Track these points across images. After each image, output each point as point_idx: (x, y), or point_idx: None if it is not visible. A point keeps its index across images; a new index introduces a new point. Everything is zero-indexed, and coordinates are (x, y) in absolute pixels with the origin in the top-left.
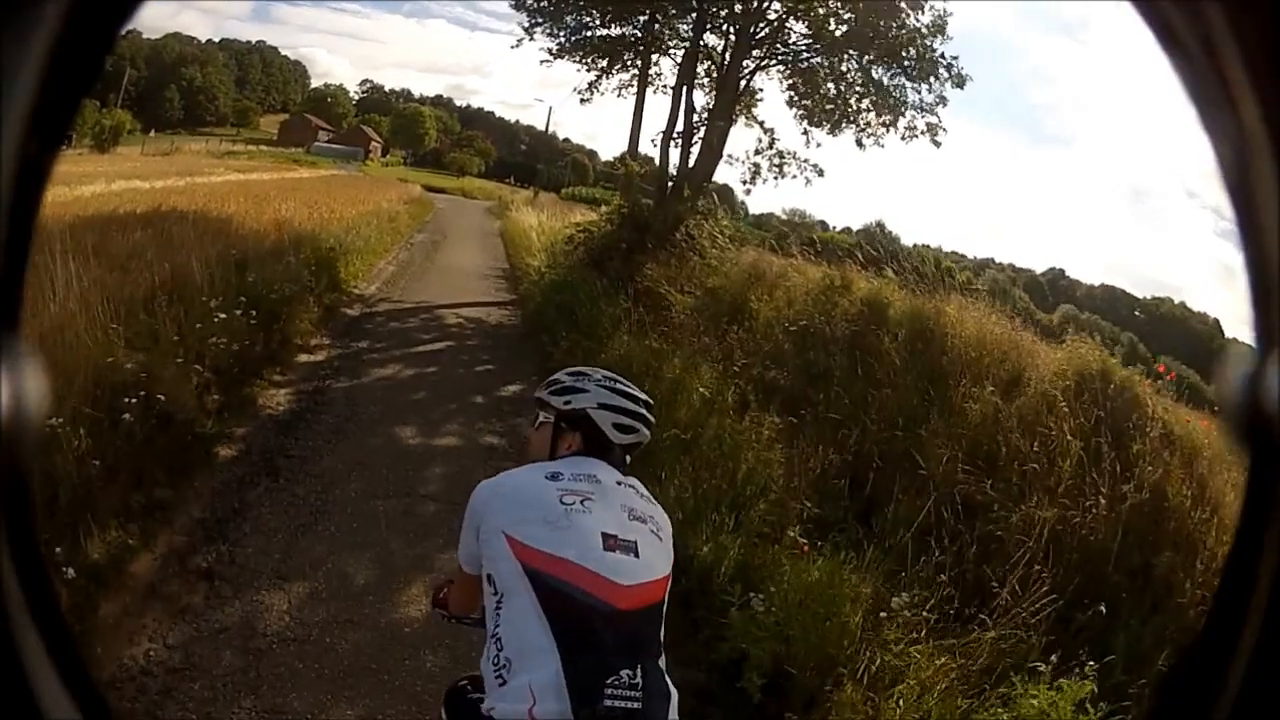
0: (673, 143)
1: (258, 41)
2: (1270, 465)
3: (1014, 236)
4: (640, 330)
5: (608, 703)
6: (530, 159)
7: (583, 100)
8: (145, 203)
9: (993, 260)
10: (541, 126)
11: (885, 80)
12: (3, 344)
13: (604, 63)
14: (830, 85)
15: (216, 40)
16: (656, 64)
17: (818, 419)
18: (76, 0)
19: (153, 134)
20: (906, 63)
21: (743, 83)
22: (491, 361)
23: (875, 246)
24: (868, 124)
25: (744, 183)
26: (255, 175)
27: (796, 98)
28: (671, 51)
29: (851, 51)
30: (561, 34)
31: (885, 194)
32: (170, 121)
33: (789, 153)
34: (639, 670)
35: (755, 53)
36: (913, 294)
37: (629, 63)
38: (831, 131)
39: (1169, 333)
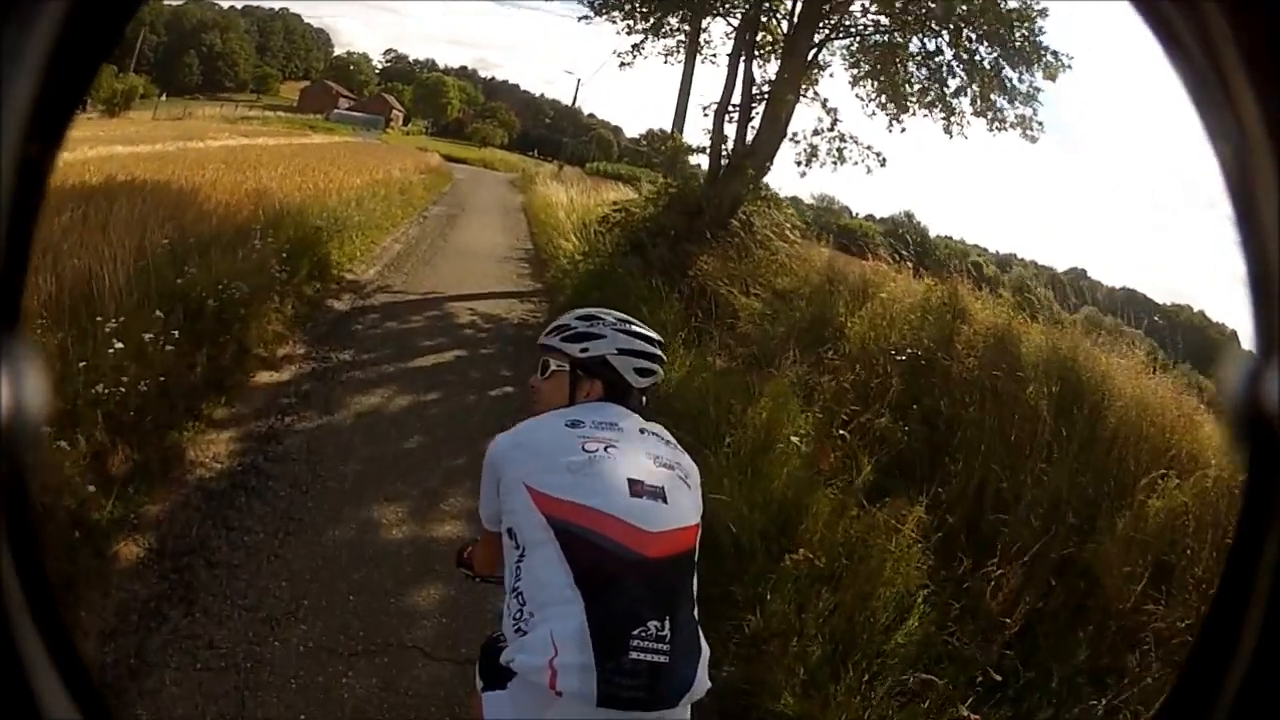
0: (727, 117)
1: (280, 9)
2: (1270, 465)
3: (1036, 233)
4: (701, 344)
5: (633, 655)
6: (554, 133)
7: (622, 64)
8: (109, 171)
9: (1015, 256)
10: (566, 102)
11: (986, 63)
12: (3, 344)
13: (649, 23)
14: (910, 66)
15: (239, 6)
16: (707, 29)
17: (954, 500)
18: (76, 0)
19: (164, 98)
20: (1012, 44)
21: (813, 52)
22: (514, 381)
23: (906, 239)
24: (957, 109)
25: (798, 164)
26: (260, 140)
27: (870, 75)
28: (730, 14)
29: (950, 28)
30: None
31: (908, 182)
32: (189, 87)
33: (850, 136)
34: (667, 622)
35: (829, 20)
36: (1044, 325)
37: (677, 26)
38: (913, 113)
39: (1187, 341)
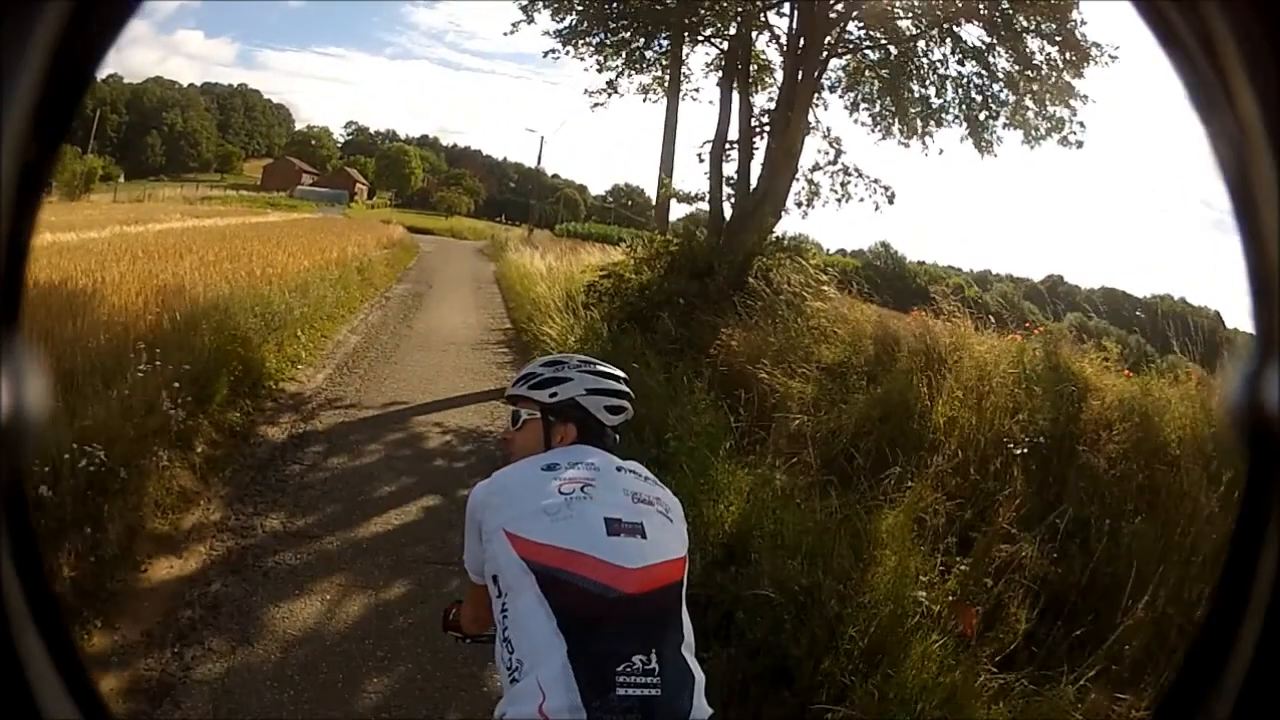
0: (724, 156)
1: (240, 85)
2: (1270, 465)
3: (1007, 245)
4: (752, 452)
5: (620, 691)
6: (520, 196)
7: (595, 105)
8: None
9: (990, 271)
10: (529, 163)
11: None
12: (3, 344)
13: (622, 56)
14: (922, 82)
15: (198, 84)
16: (687, 60)
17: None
18: (77, 0)
19: (121, 180)
20: (1053, 41)
21: (818, 72)
22: None
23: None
24: (988, 125)
25: (799, 205)
26: (212, 221)
27: (880, 94)
28: (719, 36)
29: (998, 17)
30: (576, 6)
31: (868, 211)
32: (153, 167)
33: (855, 169)
34: (654, 655)
35: (831, 34)
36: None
37: (654, 58)
38: (928, 133)
39: (1173, 331)
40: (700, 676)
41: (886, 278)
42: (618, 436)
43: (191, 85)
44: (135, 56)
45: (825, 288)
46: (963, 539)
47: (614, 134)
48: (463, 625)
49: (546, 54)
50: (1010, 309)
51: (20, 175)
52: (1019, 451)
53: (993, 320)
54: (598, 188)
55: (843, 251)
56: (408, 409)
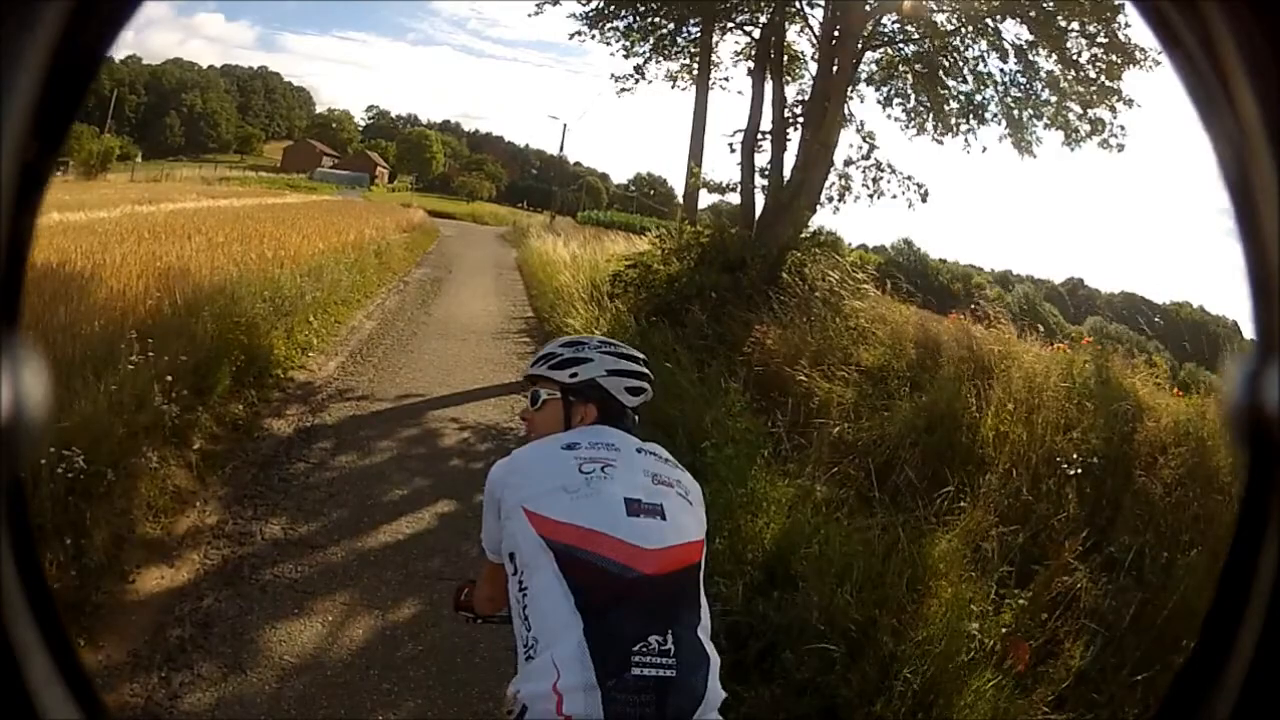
0: (756, 147)
1: (260, 68)
2: (1270, 465)
3: (1029, 245)
4: (790, 459)
5: (635, 670)
6: (542, 182)
7: (622, 90)
8: None
9: (1011, 272)
10: (551, 151)
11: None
12: (3, 344)
13: (650, 41)
14: (960, 79)
15: (218, 66)
16: (716, 47)
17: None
18: (77, 0)
19: (138, 160)
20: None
21: (855, 63)
22: None
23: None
24: (1028, 125)
25: (830, 200)
26: (227, 202)
27: (915, 89)
28: (753, 22)
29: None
30: None
31: (895, 207)
32: (171, 148)
33: (888, 164)
34: (669, 636)
35: (869, 25)
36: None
37: (683, 45)
38: (965, 131)
39: (1190, 338)
40: (715, 659)
41: (909, 275)
42: (637, 417)
43: (211, 67)
44: (155, 38)
45: (865, 286)
46: (1015, 563)
47: (636, 123)
48: (475, 605)
49: (572, 35)
50: (1031, 311)
51: (20, 175)
52: (1073, 472)
53: (1041, 329)
54: (619, 176)
55: (864, 247)
56: (423, 402)
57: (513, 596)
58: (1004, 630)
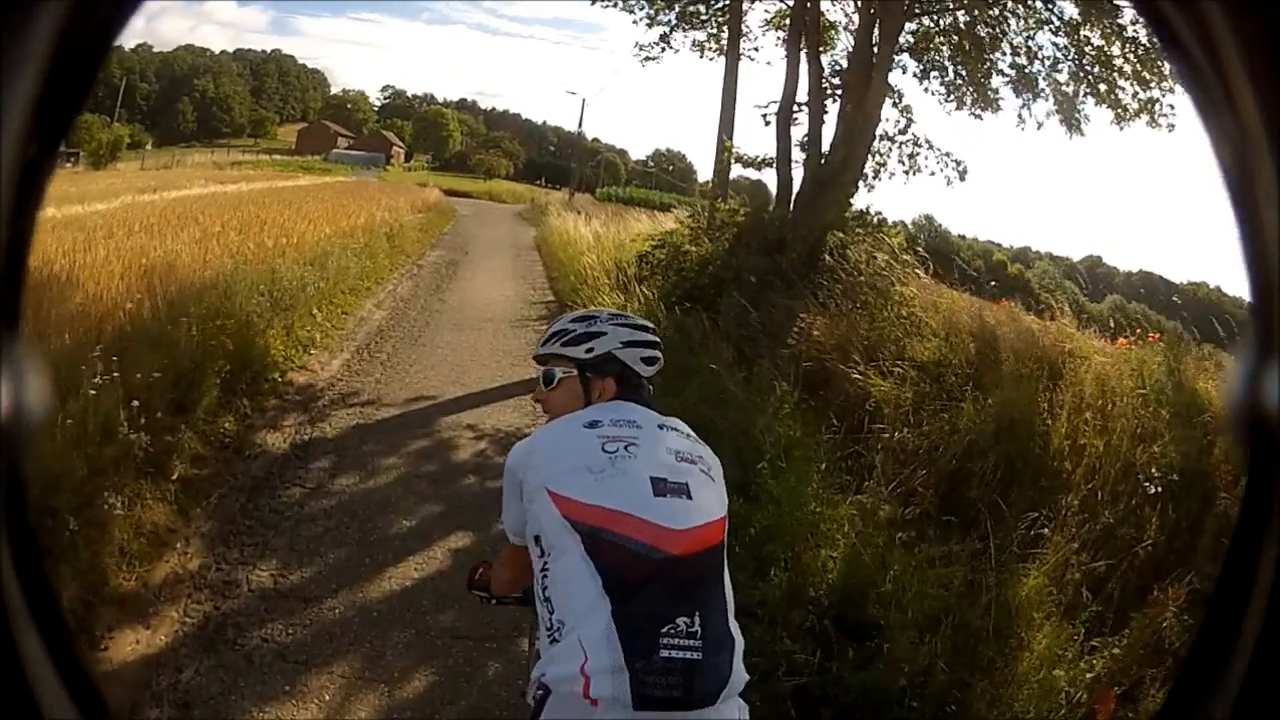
0: (791, 121)
1: (273, 51)
2: (1270, 465)
3: (1048, 222)
4: (852, 473)
5: (664, 653)
6: (560, 159)
7: (647, 59)
8: None
9: (1030, 249)
10: (569, 127)
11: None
12: (3, 344)
13: (676, 9)
14: (1005, 53)
15: (230, 50)
16: (745, 15)
17: None
18: (77, 0)
19: (149, 147)
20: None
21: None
22: None
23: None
24: (1078, 102)
25: (866, 178)
26: (236, 186)
27: (954, 61)
28: None
29: None
30: None
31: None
32: (185, 134)
33: (926, 140)
34: (696, 618)
35: None
36: None
37: (708, 14)
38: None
39: (1207, 319)
40: (740, 641)
41: (931, 252)
42: (651, 388)
43: (224, 52)
44: (165, 25)
45: (917, 270)
46: (1104, 599)
47: (655, 98)
48: (492, 586)
49: (594, 1)
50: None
51: (20, 175)
52: (1154, 490)
53: (1111, 325)
54: (638, 152)
55: (884, 221)
56: (434, 406)
57: (536, 579)
58: (1088, 676)
